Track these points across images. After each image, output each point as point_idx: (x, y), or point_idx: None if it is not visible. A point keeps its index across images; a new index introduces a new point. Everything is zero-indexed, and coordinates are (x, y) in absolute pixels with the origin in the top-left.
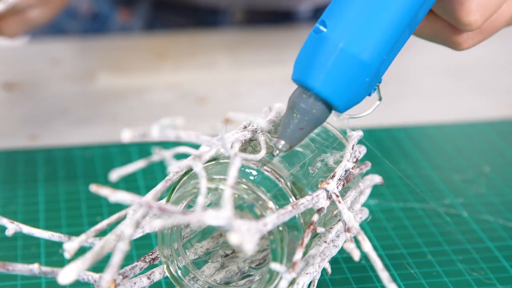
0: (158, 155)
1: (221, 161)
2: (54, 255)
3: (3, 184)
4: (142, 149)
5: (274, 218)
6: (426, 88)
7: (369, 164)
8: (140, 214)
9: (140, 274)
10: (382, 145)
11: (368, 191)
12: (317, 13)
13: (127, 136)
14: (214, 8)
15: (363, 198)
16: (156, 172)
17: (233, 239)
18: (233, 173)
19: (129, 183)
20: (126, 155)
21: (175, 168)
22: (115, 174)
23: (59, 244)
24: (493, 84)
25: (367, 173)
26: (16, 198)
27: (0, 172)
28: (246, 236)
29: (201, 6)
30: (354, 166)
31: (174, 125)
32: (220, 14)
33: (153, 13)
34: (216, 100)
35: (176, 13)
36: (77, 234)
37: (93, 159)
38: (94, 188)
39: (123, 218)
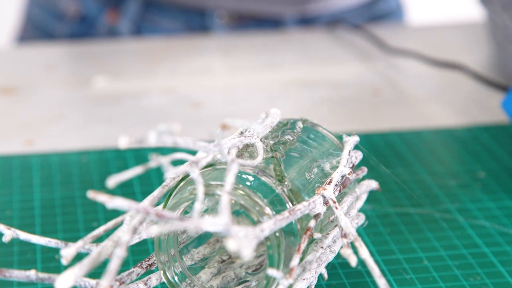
0: (155, 161)
1: (218, 167)
2: (50, 261)
3: None
4: (138, 154)
5: (271, 224)
6: (421, 93)
7: (365, 169)
8: (137, 220)
9: (137, 280)
10: (377, 150)
11: (364, 197)
12: (303, 23)
13: (123, 142)
14: (202, 10)
15: (360, 204)
16: (152, 177)
17: (230, 245)
18: (230, 179)
19: (125, 189)
20: (122, 160)
21: (172, 174)
22: (112, 181)
23: (55, 250)
24: (489, 89)
25: (363, 178)
26: (12, 203)
27: None
28: (243, 242)
29: (189, 7)
30: (351, 171)
31: (170, 131)
32: (208, 16)
33: (141, 14)
34: (212, 104)
35: (164, 15)
36: (73, 239)
37: (89, 164)
38: (91, 194)
39: (120, 224)
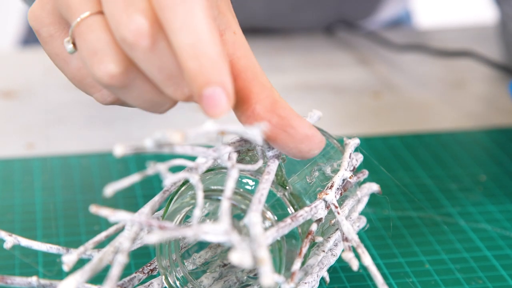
0: (152, 169)
1: (218, 171)
2: (52, 265)
3: (0, 192)
4: (140, 157)
5: (273, 231)
6: (423, 96)
7: (366, 172)
8: (138, 226)
9: (138, 285)
10: (379, 153)
11: (365, 200)
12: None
13: (119, 151)
14: None
15: (361, 207)
16: (153, 181)
17: (234, 258)
18: (230, 184)
19: (127, 192)
20: (123, 164)
21: (171, 181)
22: (110, 189)
23: (56, 254)
24: (489, 92)
25: (364, 181)
26: (13, 207)
27: None
28: (246, 252)
29: None
30: (352, 175)
31: (166, 137)
32: None
33: None
34: None
35: None
36: (75, 243)
37: (90, 167)
38: (93, 209)
39: (121, 230)
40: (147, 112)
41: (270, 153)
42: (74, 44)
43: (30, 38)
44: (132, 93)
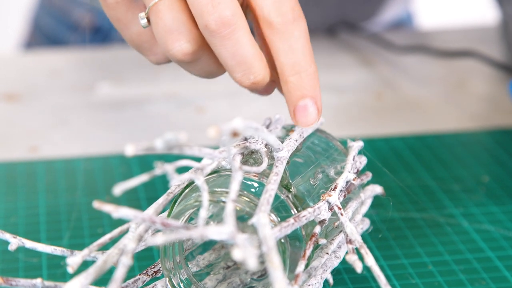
0: (160, 169)
1: (222, 173)
2: (56, 267)
3: (4, 196)
4: (143, 160)
5: (276, 231)
6: (425, 97)
7: (369, 174)
8: (143, 228)
9: (142, 287)
10: (381, 155)
11: (369, 202)
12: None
13: (130, 150)
14: None
15: (364, 209)
16: (157, 183)
17: (236, 255)
18: (234, 187)
19: (130, 195)
20: (126, 166)
21: (177, 182)
22: (118, 189)
23: (61, 256)
24: (492, 93)
25: (368, 183)
26: (17, 210)
27: (1, 184)
28: (249, 251)
29: None
30: (355, 177)
31: (177, 138)
32: None
33: None
34: (215, 109)
35: None
36: (79, 245)
37: (94, 170)
38: (96, 204)
39: (125, 231)
40: (200, 77)
41: (278, 155)
42: (148, 19)
43: (33, 41)
44: (196, 66)
